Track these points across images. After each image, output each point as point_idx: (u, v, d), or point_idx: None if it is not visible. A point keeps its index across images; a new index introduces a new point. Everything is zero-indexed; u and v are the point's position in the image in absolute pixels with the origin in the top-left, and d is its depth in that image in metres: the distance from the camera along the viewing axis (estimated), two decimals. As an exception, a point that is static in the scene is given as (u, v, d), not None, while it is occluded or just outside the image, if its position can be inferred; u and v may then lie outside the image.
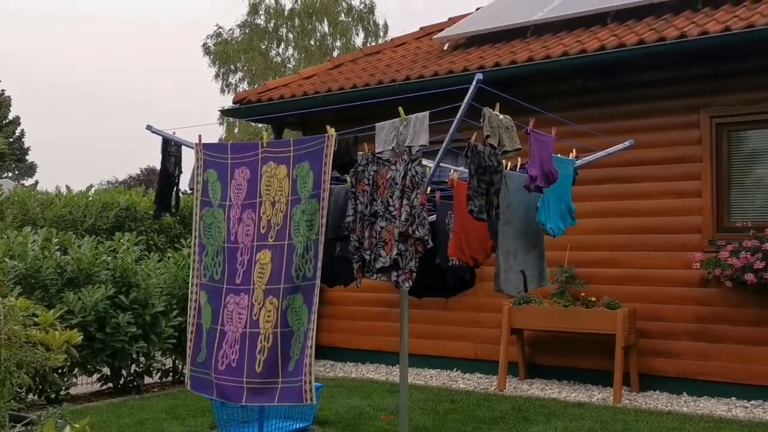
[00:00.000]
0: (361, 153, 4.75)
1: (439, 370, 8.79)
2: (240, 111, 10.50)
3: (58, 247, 7.61)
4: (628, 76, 7.87)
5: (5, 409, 3.30)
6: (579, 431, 5.97)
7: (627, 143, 6.46)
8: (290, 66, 29.33)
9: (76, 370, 7.28)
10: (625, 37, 7.75)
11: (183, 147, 5.39)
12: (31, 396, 6.75)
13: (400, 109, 4.61)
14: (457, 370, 8.73)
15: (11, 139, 31.27)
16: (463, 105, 4.37)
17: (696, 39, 7.13)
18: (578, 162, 5.92)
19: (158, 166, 5.45)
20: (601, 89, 8.04)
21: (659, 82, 7.75)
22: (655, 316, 7.59)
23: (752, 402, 6.98)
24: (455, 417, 6.49)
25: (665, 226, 7.63)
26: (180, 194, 5.48)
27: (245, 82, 29.73)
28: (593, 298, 7.52)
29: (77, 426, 4.02)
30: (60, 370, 6.93)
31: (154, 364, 7.99)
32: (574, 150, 5.94)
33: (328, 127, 4.53)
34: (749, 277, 6.83)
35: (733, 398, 7.12)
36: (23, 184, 26.94)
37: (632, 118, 7.81)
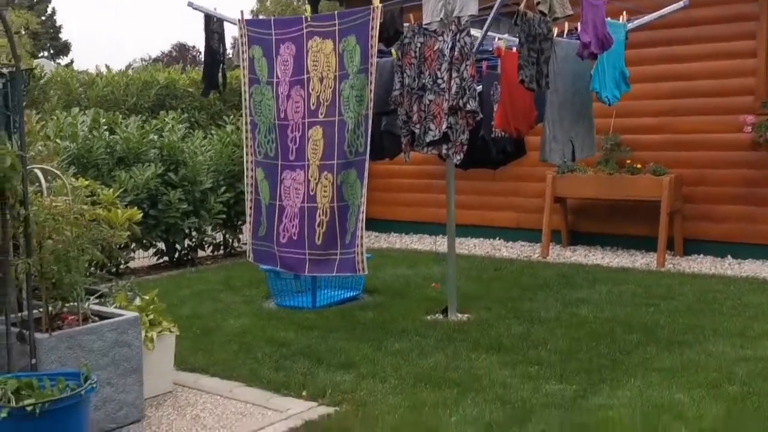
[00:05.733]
0: (407, 24, 4.65)
1: (482, 239, 8.94)
2: (274, -19, 10.21)
3: (106, 127, 7.74)
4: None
5: (81, 283, 3.50)
6: (623, 295, 6.09)
7: (681, 3, 6.18)
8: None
9: (134, 245, 7.58)
10: None
11: (225, 23, 5.33)
12: (95, 271, 7.07)
13: (447, -24, 4.47)
14: (499, 239, 8.87)
15: (43, 17, 31.04)
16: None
17: None
18: (630, 25, 5.71)
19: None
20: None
21: (716, -66, 7.30)
22: (702, 181, 7.54)
23: (797, 264, 7.03)
24: (500, 284, 6.66)
25: (716, 89, 7.42)
26: (226, 71, 5.48)
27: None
28: (639, 165, 7.47)
29: (147, 297, 4.26)
30: (119, 246, 7.21)
31: (206, 239, 8.27)
32: (624, 12, 5.72)
33: (372, -3, 4.41)
34: (802, 140, 6.70)
35: (778, 261, 7.17)
36: (59, 63, 26.99)
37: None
